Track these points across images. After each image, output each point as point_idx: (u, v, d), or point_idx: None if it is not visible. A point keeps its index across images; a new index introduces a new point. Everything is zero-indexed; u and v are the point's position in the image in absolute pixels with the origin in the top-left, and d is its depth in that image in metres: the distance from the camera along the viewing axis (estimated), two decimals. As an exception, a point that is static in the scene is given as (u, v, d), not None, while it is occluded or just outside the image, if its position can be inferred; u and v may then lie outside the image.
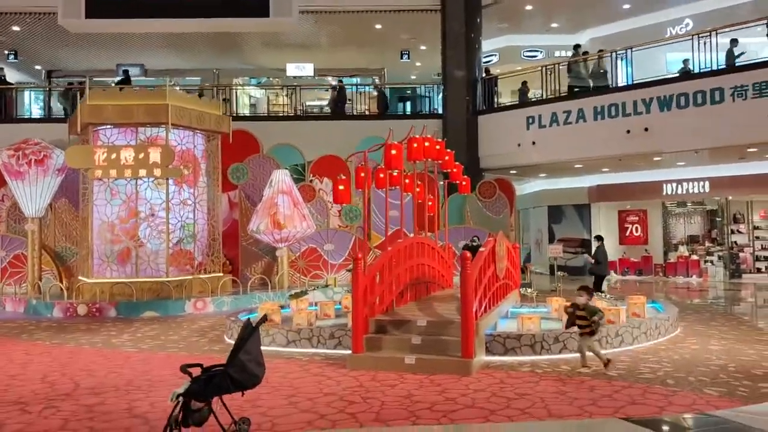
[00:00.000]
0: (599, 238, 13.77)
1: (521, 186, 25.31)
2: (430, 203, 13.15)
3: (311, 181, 17.28)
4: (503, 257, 10.06)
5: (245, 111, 23.10)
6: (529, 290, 9.46)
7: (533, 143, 17.48)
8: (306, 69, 22.82)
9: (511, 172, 19.92)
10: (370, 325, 8.17)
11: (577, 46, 18.74)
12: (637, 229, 22.22)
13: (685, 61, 15.89)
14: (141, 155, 13.70)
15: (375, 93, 23.67)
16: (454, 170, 11.93)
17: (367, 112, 21.21)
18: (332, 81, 24.61)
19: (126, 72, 20.47)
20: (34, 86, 22.83)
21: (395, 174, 12.11)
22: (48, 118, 20.32)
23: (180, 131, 14.34)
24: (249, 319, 5.17)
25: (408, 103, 24.01)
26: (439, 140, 10.40)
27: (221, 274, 15.05)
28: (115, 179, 13.91)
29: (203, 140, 14.94)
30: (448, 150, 11.24)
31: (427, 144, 10.10)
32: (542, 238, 24.21)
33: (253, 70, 24.33)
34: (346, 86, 21.34)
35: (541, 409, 5.76)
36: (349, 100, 21.63)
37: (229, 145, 16.35)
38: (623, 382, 6.78)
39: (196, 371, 5.07)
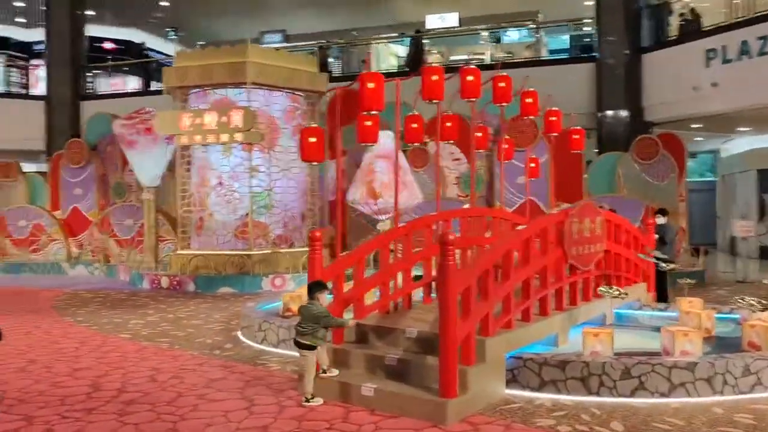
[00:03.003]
0: (663, 212, 9.35)
1: (725, 145, 20.16)
2: (533, 165, 10.13)
3: (425, 143, 14.96)
4: (594, 238, 6.97)
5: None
6: (611, 289, 6.26)
7: (714, 85, 13.12)
8: (448, 19, 20.25)
9: (693, 126, 15.49)
10: (347, 331, 5.91)
11: None
12: None
13: None
14: (223, 119, 12.65)
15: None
16: (553, 119, 8.81)
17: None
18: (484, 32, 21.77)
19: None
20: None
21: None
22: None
23: (265, 91, 13.01)
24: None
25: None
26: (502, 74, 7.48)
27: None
28: (200, 145, 13.08)
29: (288, 100, 13.42)
30: (530, 89, 8.19)
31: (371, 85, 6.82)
32: (750, 211, 18.91)
33: (392, 27, 22.39)
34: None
35: None
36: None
37: (342, 107, 14.77)
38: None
39: None
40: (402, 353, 5.39)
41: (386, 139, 13.79)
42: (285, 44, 21.88)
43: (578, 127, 9.44)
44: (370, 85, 5.83)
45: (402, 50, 23.45)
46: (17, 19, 22.88)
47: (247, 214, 12.63)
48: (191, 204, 13.29)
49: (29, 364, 6.51)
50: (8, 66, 22.69)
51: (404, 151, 15.08)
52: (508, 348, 5.39)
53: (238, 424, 4.68)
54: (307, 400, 5.09)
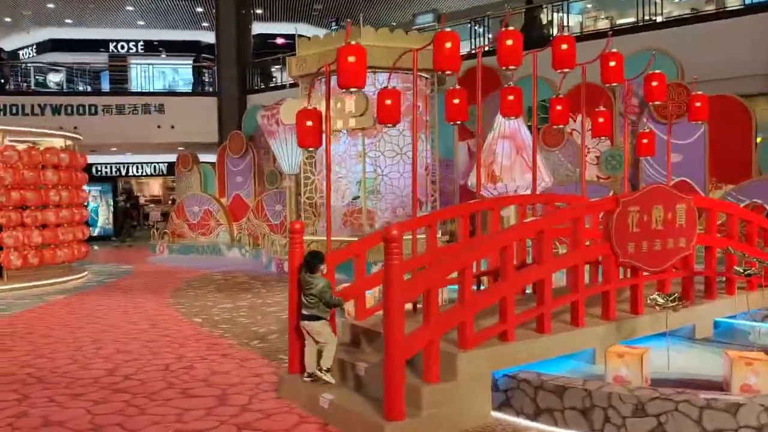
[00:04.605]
0: None
1: None
2: (645, 141, 8.51)
3: (560, 120, 13.49)
4: (671, 231, 5.58)
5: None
6: (666, 297, 4.77)
7: None
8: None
9: None
10: (342, 332, 5.42)
11: None
12: None
13: None
14: (338, 105, 12.65)
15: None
16: (654, 83, 7.23)
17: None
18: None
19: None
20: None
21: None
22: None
23: (377, 74, 12.72)
24: None
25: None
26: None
27: (444, 237, 13.07)
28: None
29: (398, 81, 12.94)
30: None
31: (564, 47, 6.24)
32: None
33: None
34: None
35: None
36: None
37: (471, 85, 14.08)
38: None
39: None
40: (378, 362, 4.78)
41: (510, 118, 12.75)
42: (436, 24, 21.33)
43: (700, 93, 7.66)
44: (351, 59, 5.23)
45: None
46: (203, 24, 25.34)
47: (353, 200, 12.54)
48: (313, 190, 13.56)
49: (90, 344, 7.03)
50: (197, 67, 25.30)
51: (537, 129, 13.83)
52: (498, 364, 4.50)
53: (182, 425, 4.50)
54: (309, 376, 4.90)
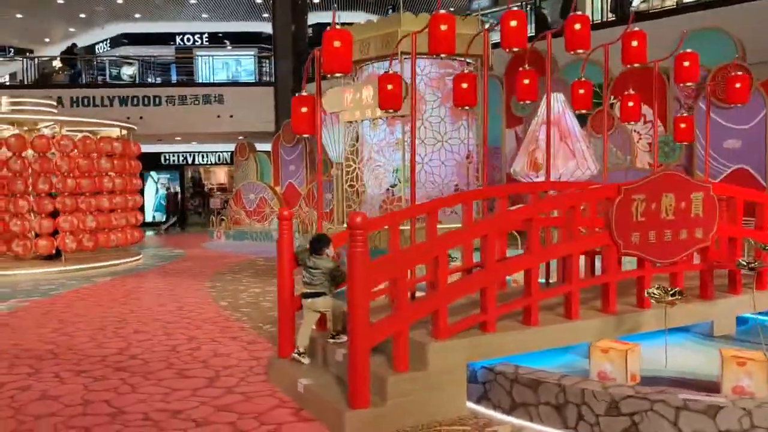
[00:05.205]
0: None
1: None
2: (683, 125, 8.01)
3: (611, 105, 12.92)
4: (684, 221, 5.23)
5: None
6: (657, 291, 4.43)
7: None
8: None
9: None
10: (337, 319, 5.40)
11: None
12: None
13: None
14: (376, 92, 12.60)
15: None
16: (686, 63, 6.76)
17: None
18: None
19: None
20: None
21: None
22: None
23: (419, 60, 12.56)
24: None
25: None
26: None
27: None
28: (360, 121, 13.24)
29: (437, 66, 12.72)
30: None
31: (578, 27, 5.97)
32: None
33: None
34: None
35: None
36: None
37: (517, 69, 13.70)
38: None
39: None
40: (358, 349, 4.74)
41: (554, 103, 12.34)
42: (493, 8, 20.87)
43: (740, 74, 7.11)
44: (336, 44, 5.15)
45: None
46: (263, 15, 25.84)
47: (390, 188, 12.46)
48: (355, 179, 13.59)
49: (114, 323, 7.35)
50: (259, 57, 25.85)
51: (586, 115, 13.31)
52: (476, 356, 4.36)
53: (165, 404, 4.63)
54: (299, 354, 4.97)
